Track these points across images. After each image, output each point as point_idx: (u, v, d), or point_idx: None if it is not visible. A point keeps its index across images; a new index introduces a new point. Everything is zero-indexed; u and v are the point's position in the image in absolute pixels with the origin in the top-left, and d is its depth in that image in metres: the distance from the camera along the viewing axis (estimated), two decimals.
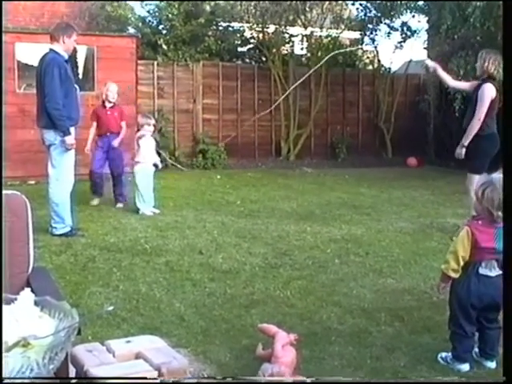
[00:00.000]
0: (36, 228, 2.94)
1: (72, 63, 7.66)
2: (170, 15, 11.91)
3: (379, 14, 12.53)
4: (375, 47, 13.41)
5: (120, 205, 7.42)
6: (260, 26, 12.49)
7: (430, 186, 9.68)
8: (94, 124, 7.57)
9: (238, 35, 13.18)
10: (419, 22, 13.00)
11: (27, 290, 1.98)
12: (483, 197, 3.13)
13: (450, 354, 3.29)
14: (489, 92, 5.82)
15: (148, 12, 12.70)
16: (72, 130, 5.77)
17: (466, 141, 5.92)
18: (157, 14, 12.50)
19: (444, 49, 10.65)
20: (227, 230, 6.35)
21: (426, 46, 13.34)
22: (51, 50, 5.74)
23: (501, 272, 3.12)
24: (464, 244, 3.15)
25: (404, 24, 12.83)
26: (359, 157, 12.92)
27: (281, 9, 12.07)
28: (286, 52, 12.99)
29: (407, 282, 4.69)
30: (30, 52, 8.98)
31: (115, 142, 7.51)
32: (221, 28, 12.87)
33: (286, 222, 6.74)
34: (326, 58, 10.08)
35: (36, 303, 1.92)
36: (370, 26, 12.82)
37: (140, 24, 12.43)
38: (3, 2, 9.11)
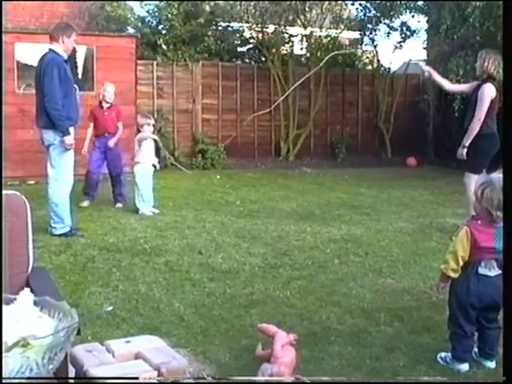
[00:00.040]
0: (36, 228, 2.94)
1: (71, 63, 7.66)
2: (169, 15, 11.91)
3: (379, 14, 12.53)
4: (375, 47, 13.41)
5: (119, 205, 7.42)
6: (259, 26, 12.49)
7: (429, 186, 9.68)
8: (91, 125, 7.54)
9: (238, 35, 13.18)
10: (419, 22, 13.04)
11: (27, 290, 1.98)
12: (482, 197, 3.13)
13: (449, 353, 3.29)
14: (489, 92, 5.82)
15: (147, 12, 12.71)
16: (71, 130, 5.77)
17: (467, 141, 5.93)
18: (156, 14, 12.50)
19: (443, 49, 10.65)
20: (227, 230, 6.35)
21: (425, 46, 13.36)
22: (50, 50, 5.73)
23: (500, 272, 3.12)
24: (463, 244, 3.15)
25: (403, 24, 12.83)
26: (359, 157, 12.91)
27: (280, 9, 12.07)
28: (285, 52, 12.98)
29: (407, 282, 4.69)
30: (29, 52, 8.97)
31: (111, 143, 7.48)
32: (220, 28, 12.87)
33: (285, 222, 6.74)
34: (326, 58, 10.05)
35: (35, 303, 1.92)
36: (370, 25, 12.82)
37: (139, 24, 12.43)
38: (3, 2, 9.11)
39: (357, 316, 3.95)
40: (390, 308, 4.10)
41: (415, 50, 15.66)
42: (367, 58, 14.25)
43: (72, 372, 2.13)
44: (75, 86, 6.01)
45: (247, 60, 13.40)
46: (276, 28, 12.51)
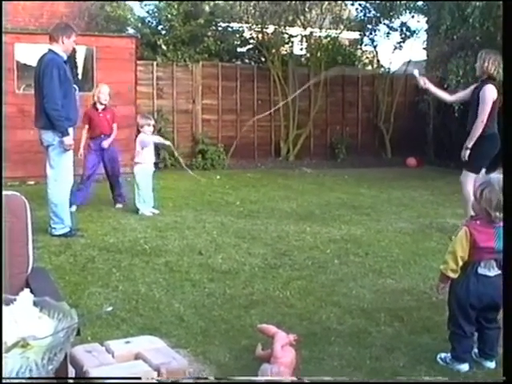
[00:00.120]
0: (35, 228, 2.94)
1: (71, 64, 7.67)
2: (169, 15, 11.90)
3: (378, 15, 12.53)
4: (374, 47, 13.41)
5: (119, 205, 7.41)
6: (259, 26, 12.49)
7: (429, 186, 9.68)
8: (86, 126, 7.37)
9: (238, 35, 13.18)
10: (418, 23, 13.03)
11: (26, 290, 1.98)
12: (481, 197, 3.13)
13: (449, 354, 3.29)
14: (490, 93, 5.81)
15: (147, 12, 12.69)
16: (70, 130, 5.77)
17: (470, 143, 5.92)
18: (156, 14, 12.49)
19: (443, 49, 10.65)
20: (227, 230, 6.35)
21: (425, 46, 13.35)
22: (50, 50, 5.73)
23: (500, 272, 3.12)
24: (462, 244, 3.15)
25: (403, 24, 12.83)
26: (358, 157, 12.91)
27: (280, 9, 12.06)
28: (285, 52, 12.98)
29: (407, 283, 4.69)
30: (29, 52, 8.97)
31: (105, 143, 7.34)
32: (220, 28, 12.86)
33: (285, 223, 6.74)
34: (330, 69, 10.03)
35: (35, 304, 1.91)
36: (370, 26, 12.82)
37: (139, 24, 12.42)
38: (3, 2, 9.11)
39: (357, 316, 3.95)
40: (390, 308, 4.10)
41: (415, 51, 15.67)
42: (367, 58, 14.24)
43: (72, 372, 2.14)
44: (75, 86, 6.01)
45: (247, 60, 13.39)
46: (276, 28, 12.51)
